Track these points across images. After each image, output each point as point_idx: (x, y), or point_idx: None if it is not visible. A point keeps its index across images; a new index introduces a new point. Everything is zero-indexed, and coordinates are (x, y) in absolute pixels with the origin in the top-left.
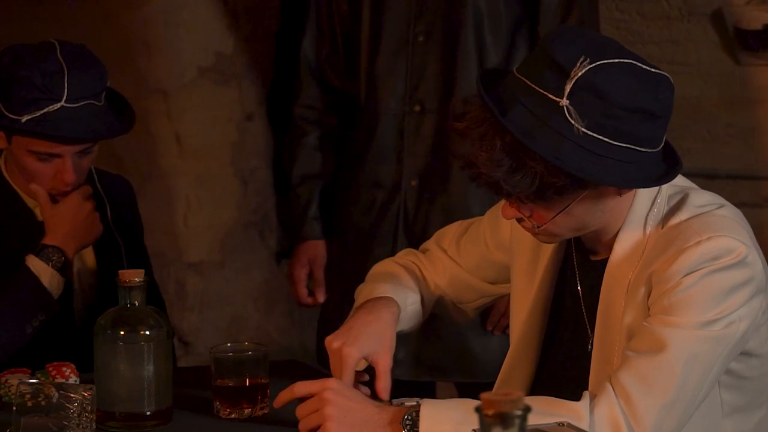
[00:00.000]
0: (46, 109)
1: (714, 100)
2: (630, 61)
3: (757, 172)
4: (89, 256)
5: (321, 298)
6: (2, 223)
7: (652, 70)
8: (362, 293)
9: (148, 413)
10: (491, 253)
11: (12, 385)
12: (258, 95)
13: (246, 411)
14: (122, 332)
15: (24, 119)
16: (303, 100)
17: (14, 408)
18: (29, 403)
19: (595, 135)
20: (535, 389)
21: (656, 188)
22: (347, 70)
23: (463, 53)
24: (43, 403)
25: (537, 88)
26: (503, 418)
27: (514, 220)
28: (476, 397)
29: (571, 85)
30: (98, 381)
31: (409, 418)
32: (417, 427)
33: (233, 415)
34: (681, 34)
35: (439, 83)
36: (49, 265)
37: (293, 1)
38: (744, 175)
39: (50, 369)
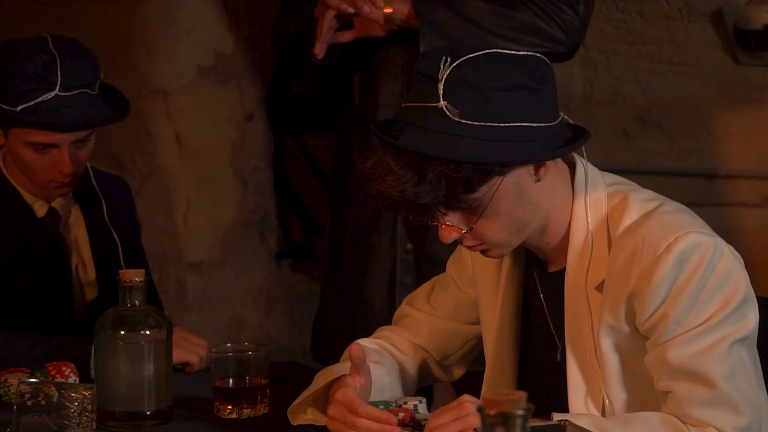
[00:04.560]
0: (40, 99)
1: (714, 100)
2: (492, 50)
3: (757, 172)
4: (86, 252)
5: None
6: (1, 221)
7: (519, 53)
8: (319, 375)
9: (148, 413)
10: (463, 293)
11: (12, 385)
12: (258, 95)
13: (246, 411)
14: (122, 332)
15: (19, 109)
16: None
17: (14, 407)
18: (29, 403)
19: (479, 123)
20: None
21: (592, 187)
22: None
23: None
24: (43, 402)
25: (418, 104)
26: (505, 418)
27: (469, 251)
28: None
29: (442, 87)
30: (98, 380)
31: None
32: None
33: (233, 415)
34: (681, 34)
35: None
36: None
37: (293, 1)
38: (744, 175)
39: (50, 369)
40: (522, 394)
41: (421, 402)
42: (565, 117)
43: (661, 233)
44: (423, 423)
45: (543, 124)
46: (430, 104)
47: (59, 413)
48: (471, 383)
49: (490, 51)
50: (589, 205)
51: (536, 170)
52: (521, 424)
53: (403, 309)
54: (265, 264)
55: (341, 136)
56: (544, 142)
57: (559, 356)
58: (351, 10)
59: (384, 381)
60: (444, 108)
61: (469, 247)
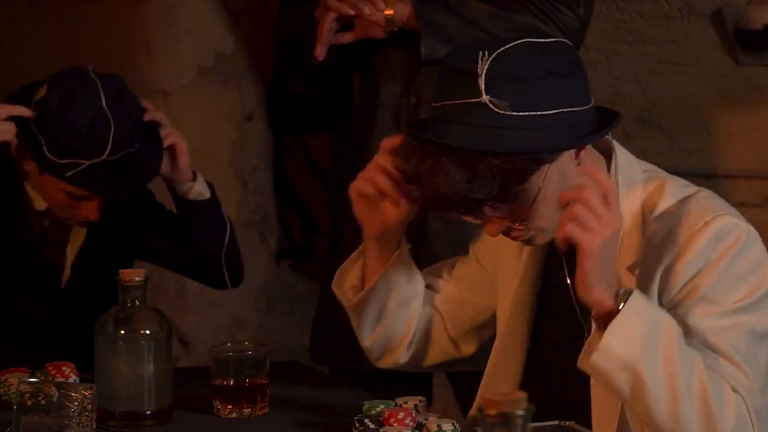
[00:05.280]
0: (88, 163)
1: (714, 100)
2: (523, 40)
3: (757, 172)
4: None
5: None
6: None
7: (548, 40)
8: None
9: (148, 412)
10: (483, 270)
11: (12, 384)
12: (258, 95)
13: (246, 411)
14: (122, 332)
15: (66, 175)
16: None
17: (14, 407)
18: (29, 402)
19: (523, 113)
20: (524, 385)
21: (628, 171)
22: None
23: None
24: (43, 402)
25: (457, 102)
26: (505, 418)
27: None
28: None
29: (483, 82)
30: (98, 380)
31: (624, 296)
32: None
33: (233, 415)
34: (681, 34)
35: (435, 74)
36: None
37: (293, 1)
38: (744, 175)
39: (50, 368)
40: (522, 395)
41: (421, 402)
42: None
43: (699, 213)
44: (423, 423)
45: (581, 108)
46: (471, 100)
47: (59, 413)
48: (471, 384)
49: (522, 41)
50: (625, 189)
51: (577, 154)
52: (521, 425)
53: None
54: (265, 264)
55: (341, 136)
56: (585, 125)
57: (586, 335)
58: (351, 12)
59: (408, 294)
60: (488, 102)
61: (515, 238)
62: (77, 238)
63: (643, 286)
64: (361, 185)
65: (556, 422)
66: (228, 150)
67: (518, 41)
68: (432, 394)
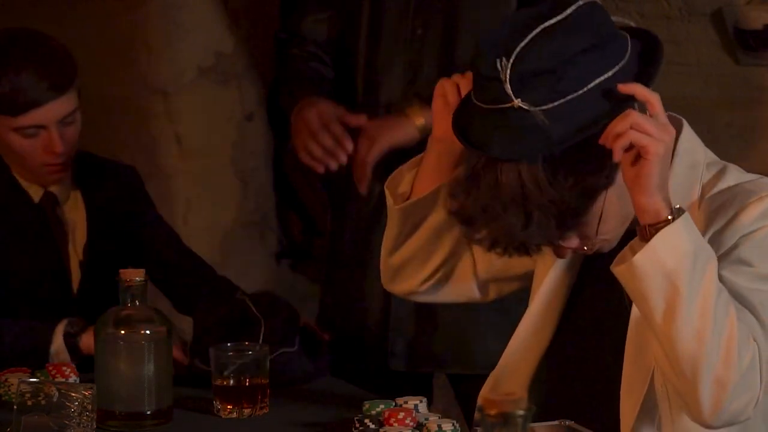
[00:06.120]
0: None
1: (714, 100)
2: (539, 28)
3: (757, 172)
4: (81, 235)
5: (360, 120)
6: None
7: (566, 12)
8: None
9: (148, 412)
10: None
11: (12, 384)
12: (258, 95)
13: (246, 411)
14: (122, 332)
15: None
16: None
17: (14, 407)
18: (29, 402)
19: (561, 102)
20: (551, 354)
21: (694, 151)
22: (342, 68)
23: (461, 46)
24: (43, 402)
25: (493, 106)
26: (505, 419)
27: None
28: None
29: (509, 87)
30: (99, 380)
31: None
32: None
33: (233, 415)
34: (681, 34)
35: (436, 76)
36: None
37: (293, 1)
38: None
39: (50, 368)
40: (522, 395)
41: (421, 402)
42: (623, 23)
43: (754, 189)
44: (423, 423)
45: (618, 67)
46: (505, 106)
47: (59, 413)
48: (472, 387)
49: (539, 30)
50: (687, 168)
51: None
52: (521, 425)
53: None
54: (265, 264)
55: None
56: (628, 77)
57: (627, 307)
58: (321, 170)
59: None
60: (521, 106)
61: (583, 252)
62: (80, 237)
63: None
64: (446, 86)
65: (556, 422)
66: (228, 150)
67: (534, 32)
68: (432, 395)
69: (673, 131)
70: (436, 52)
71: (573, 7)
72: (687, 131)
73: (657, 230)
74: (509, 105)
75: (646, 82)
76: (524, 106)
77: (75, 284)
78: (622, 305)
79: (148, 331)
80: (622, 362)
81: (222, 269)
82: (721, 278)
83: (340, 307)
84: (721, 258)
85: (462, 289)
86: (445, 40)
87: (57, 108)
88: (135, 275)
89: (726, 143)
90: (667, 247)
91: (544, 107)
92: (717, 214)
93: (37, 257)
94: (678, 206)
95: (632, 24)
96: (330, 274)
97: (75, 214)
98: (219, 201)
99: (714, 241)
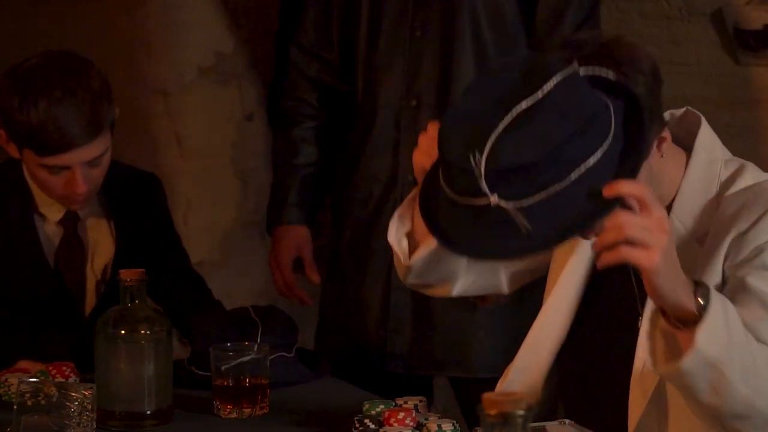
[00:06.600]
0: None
1: (714, 100)
2: (513, 115)
3: None
4: (104, 253)
5: (316, 278)
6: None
7: (543, 91)
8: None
9: (148, 412)
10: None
11: (12, 385)
12: (258, 95)
13: (246, 411)
14: (122, 332)
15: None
16: (293, 93)
17: (14, 407)
18: (29, 402)
19: (540, 195)
20: (565, 349)
21: (713, 149)
22: (342, 67)
23: (460, 48)
24: (43, 402)
25: (469, 204)
26: (505, 418)
27: None
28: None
29: (485, 184)
30: (98, 380)
31: (704, 294)
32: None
33: (233, 415)
34: (681, 34)
35: (435, 78)
36: None
37: (293, 1)
38: None
39: (50, 368)
40: (522, 395)
41: (421, 402)
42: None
43: None
44: (423, 423)
45: (603, 149)
46: (481, 203)
47: (59, 413)
48: (472, 389)
49: (513, 117)
50: (704, 164)
51: (659, 146)
52: (521, 425)
53: None
54: (265, 264)
55: (341, 137)
56: (613, 161)
57: (639, 309)
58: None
59: None
60: (498, 203)
61: None
62: (101, 257)
63: (709, 254)
64: (420, 157)
65: (556, 422)
66: (228, 150)
67: (508, 119)
68: (432, 395)
69: (669, 223)
70: (435, 54)
71: (550, 85)
72: (705, 127)
73: (685, 323)
74: (486, 203)
75: (634, 163)
76: (502, 204)
77: (89, 306)
78: (633, 300)
79: (148, 331)
80: (633, 356)
81: (222, 269)
82: (745, 285)
83: (338, 308)
84: (745, 263)
85: (490, 282)
86: (444, 41)
87: (86, 152)
88: (135, 275)
89: (726, 143)
90: (710, 344)
91: (524, 203)
92: (740, 215)
93: (47, 280)
94: (696, 281)
95: (610, 77)
96: (329, 275)
97: (97, 233)
98: (219, 201)
99: (736, 243)
